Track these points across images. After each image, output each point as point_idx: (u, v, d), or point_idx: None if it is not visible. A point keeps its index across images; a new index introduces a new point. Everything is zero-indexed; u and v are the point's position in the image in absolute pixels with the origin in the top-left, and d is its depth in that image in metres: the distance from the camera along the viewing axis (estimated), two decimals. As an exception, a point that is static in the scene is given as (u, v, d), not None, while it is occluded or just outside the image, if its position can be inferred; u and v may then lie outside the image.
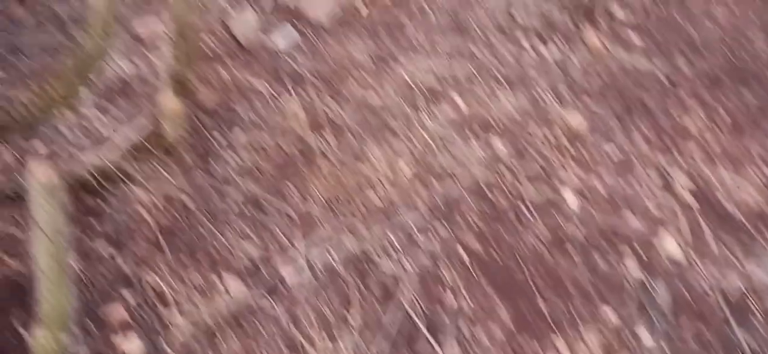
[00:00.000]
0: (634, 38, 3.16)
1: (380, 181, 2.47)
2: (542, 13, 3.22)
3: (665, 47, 3.11)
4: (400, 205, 2.38)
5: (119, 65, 2.90)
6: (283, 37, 3.12)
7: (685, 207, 2.41)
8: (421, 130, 2.69)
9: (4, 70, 2.84)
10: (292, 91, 2.84)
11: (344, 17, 3.26)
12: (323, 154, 2.57)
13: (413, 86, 2.88)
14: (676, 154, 2.60)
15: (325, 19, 3.23)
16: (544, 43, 3.09)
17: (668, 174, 2.52)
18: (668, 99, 2.85)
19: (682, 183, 2.48)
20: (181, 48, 2.55)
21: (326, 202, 2.40)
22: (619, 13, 3.26)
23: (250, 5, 3.25)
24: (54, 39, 2.98)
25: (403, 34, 3.18)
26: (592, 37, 3.11)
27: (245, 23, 3.12)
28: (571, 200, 2.42)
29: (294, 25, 3.19)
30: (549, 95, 2.83)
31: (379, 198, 2.41)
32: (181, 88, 2.58)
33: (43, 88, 2.36)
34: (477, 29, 3.17)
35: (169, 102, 2.44)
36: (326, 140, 2.62)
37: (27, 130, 2.49)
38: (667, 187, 2.48)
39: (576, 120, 2.71)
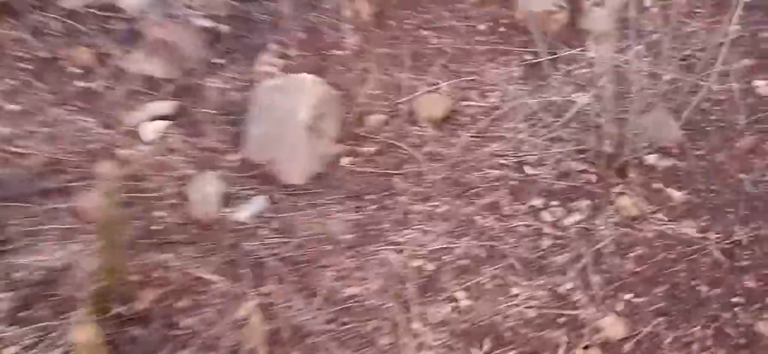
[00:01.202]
0: (675, 194, 2.57)
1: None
2: (559, 165, 2.66)
3: (714, 205, 2.51)
4: None
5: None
6: (248, 207, 2.60)
7: None
8: (412, 340, 2.11)
9: None
10: (252, 286, 2.29)
11: (323, 175, 2.74)
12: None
13: (403, 275, 2.31)
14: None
15: (301, 178, 2.71)
16: (566, 208, 2.52)
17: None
18: (729, 284, 2.24)
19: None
20: (110, 240, 2.05)
21: None
22: (654, 161, 2.69)
23: (213, 168, 2.74)
24: None
25: (393, 197, 2.63)
26: (623, 197, 2.53)
27: (204, 191, 2.61)
28: None
29: (262, 190, 2.67)
30: (574, 288, 2.24)
31: None
32: (106, 297, 2.06)
33: None
34: (482, 190, 2.61)
35: (82, 334, 1.90)
36: (289, 364, 2.06)
37: None
38: None
39: (612, 326, 2.10)
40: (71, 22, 3.67)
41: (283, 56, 3.27)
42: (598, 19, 3.29)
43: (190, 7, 3.74)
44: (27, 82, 3.15)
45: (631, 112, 2.53)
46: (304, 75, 2.73)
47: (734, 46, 2.68)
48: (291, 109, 2.54)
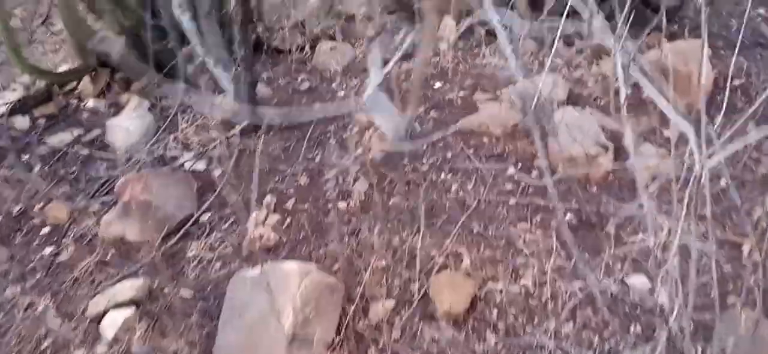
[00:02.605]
0: None
1: None
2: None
3: None
4: None
5: None
6: None
7: None
8: None
9: None
10: None
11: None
12: None
13: None
14: None
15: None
16: None
17: None
18: None
19: None
20: None
21: None
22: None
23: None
24: None
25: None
26: None
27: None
28: None
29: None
30: None
31: None
32: None
33: None
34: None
35: None
36: None
37: None
38: None
39: None
40: (53, 164, 3.34)
41: (279, 210, 2.82)
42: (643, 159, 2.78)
43: (186, 145, 3.37)
44: (-10, 247, 2.78)
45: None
46: (290, 265, 2.23)
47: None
48: (269, 313, 2.04)
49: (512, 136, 3.08)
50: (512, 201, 2.73)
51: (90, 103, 3.80)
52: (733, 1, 3.97)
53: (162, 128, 3.44)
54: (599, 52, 3.63)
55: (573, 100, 3.25)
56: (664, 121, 3.06)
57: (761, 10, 4.06)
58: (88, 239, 2.78)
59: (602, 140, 2.81)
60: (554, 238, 2.49)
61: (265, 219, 2.76)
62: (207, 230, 2.77)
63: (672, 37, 3.60)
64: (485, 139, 3.09)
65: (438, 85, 3.67)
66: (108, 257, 2.67)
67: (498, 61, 3.69)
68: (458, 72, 3.72)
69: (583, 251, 2.42)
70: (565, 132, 2.78)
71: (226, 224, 2.80)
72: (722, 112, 1.65)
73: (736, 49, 3.39)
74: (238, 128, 3.37)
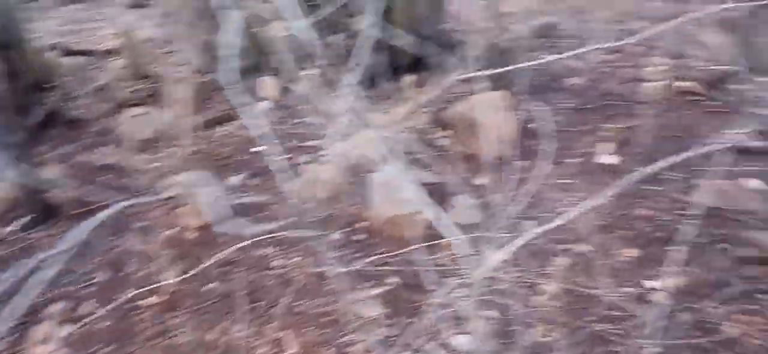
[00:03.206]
0: None
1: None
2: None
3: None
4: None
5: None
6: None
7: None
8: None
9: None
10: None
11: None
12: None
13: None
14: None
15: None
16: None
17: None
18: None
19: None
20: None
21: None
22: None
23: None
24: None
25: None
26: None
27: None
28: None
29: None
30: None
31: None
32: None
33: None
34: None
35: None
36: None
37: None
38: None
39: None
40: None
41: (70, 319, 2.41)
42: (464, 211, 2.84)
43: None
44: None
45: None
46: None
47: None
48: None
49: (336, 199, 2.98)
50: (338, 270, 2.61)
51: None
52: (527, 48, 4.30)
53: None
54: (417, 106, 3.71)
55: (393, 157, 3.26)
56: (479, 168, 3.18)
57: (549, 57, 4.47)
58: None
59: (420, 196, 2.81)
60: (380, 307, 2.40)
61: (49, 336, 2.34)
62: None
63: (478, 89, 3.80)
64: (309, 205, 2.96)
65: (257, 149, 3.49)
66: None
67: (319, 119, 3.60)
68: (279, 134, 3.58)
69: (409, 317, 2.36)
70: (384, 192, 2.74)
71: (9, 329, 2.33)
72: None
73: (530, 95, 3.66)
74: (19, 222, 2.88)
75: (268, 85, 4.14)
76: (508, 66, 3.66)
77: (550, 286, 2.42)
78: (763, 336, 2.13)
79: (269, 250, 2.75)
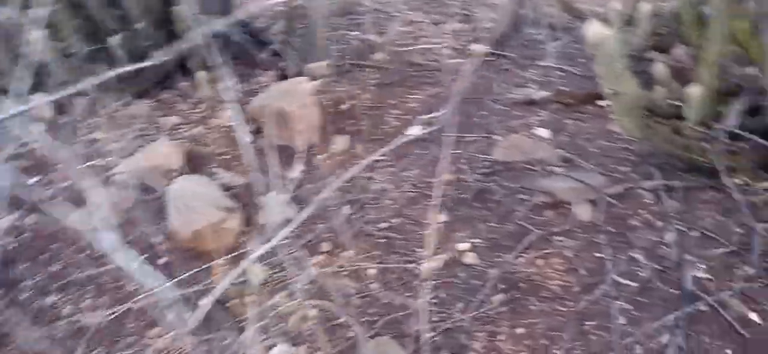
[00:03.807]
0: None
1: None
2: None
3: None
4: None
5: None
6: None
7: None
8: None
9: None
10: None
11: None
12: None
13: None
14: None
15: None
16: None
17: None
18: None
19: None
20: None
21: None
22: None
23: None
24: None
25: None
26: None
27: None
28: None
29: None
30: None
31: None
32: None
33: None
34: None
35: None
36: None
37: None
38: None
39: None
40: None
41: None
42: (274, 208, 2.70)
43: None
44: None
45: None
46: None
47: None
48: None
49: (131, 222, 2.67)
50: (137, 306, 2.33)
51: None
52: (329, 27, 4.21)
53: None
54: (217, 102, 3.47)
55: (194, 164, 3.00)
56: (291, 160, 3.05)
57: (356, 33, 4.45)
58: None
59: (225, 203, 2.61)
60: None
61: None
62: None
63: (283, 76, 3.66)
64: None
65: (34, 180, 3.03)
66: None
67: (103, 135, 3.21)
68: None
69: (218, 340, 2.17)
70: (182, 206, 2.50)
71: None
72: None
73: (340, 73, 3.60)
74: None
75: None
76: (309, 46, 3.56)
77: (372, 270, 2.38)
78: (561, 274, 2.27)
79: (58, 298, 2.39)
